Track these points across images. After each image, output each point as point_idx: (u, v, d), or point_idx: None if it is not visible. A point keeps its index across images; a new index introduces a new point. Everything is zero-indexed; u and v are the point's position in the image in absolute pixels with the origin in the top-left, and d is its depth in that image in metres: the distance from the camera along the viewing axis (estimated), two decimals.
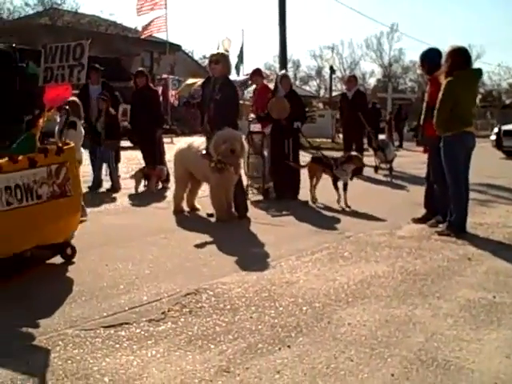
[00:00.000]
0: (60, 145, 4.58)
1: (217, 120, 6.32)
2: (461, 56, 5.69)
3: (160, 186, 8.97)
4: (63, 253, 4.60)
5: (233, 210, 6.60)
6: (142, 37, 23.63)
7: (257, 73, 9.25)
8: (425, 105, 6.32)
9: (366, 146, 13.16)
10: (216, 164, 6.22)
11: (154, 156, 9.00)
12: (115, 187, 8.77)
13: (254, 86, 9.31)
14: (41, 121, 4.61)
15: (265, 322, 3.42)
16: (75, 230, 4.68)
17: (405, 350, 3.05)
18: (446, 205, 5.91)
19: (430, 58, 6.34)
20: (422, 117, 6.38)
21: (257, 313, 3.57)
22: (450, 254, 5.06)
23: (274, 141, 8.19)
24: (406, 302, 3.79)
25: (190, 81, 18.78)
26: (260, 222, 6.42)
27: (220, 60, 6.45)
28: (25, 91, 4.91)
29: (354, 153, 8.02)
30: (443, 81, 5.70)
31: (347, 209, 7.26)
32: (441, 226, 5.99)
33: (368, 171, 11.66)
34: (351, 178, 7.62)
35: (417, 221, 6.41)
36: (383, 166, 11.70)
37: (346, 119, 11.89)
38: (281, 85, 8.29)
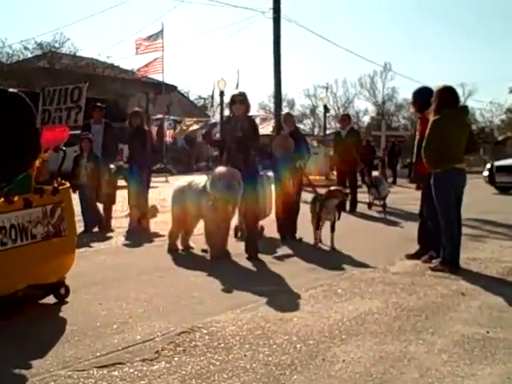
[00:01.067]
0: (56, 185, 4.63)
1: (238, 157, 6.44)
2: (448, 95, 5.85)
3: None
4: (57, 292, 4.59)
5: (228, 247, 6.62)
6: (139, 75, 24.04)
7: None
8: (416, 143, 6.42)
9: (359, 182, 13.26)
10: (213, 202, 6.25)
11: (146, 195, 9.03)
12: (101, 226, 8.69)
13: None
14: (37, 162, 4.67)
15: (259, 361, 3.40)
16: (69, 269, 4.68)
17: None
18: (440, 240, 5.95)
19: (422, 96, 6.48)
20: (414, 155, 6.49)
21: (251, 351, 3.55)
22: (444, 290, 5.07)
23: (278, 179, 8.09)
24: (400, 339, 3.79)
25: (186, 123, 18.99)
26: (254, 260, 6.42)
27: (244, 100, 6.63)
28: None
29: (333, 187, 7.83)
30: (431, 118, 5.84)
31: (333, 248, 7.17)
32: (434, 261, 6.01)
33: (361, 207, 11.74)
34: (338, 218, 7.45)
35: (410, 257, 6.44)
36: (377, 202, 11.77)
37: (340, 157, 12.03)
38: (285, 123, 8.37)
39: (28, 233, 4.24)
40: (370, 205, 11.92)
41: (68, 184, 4.84)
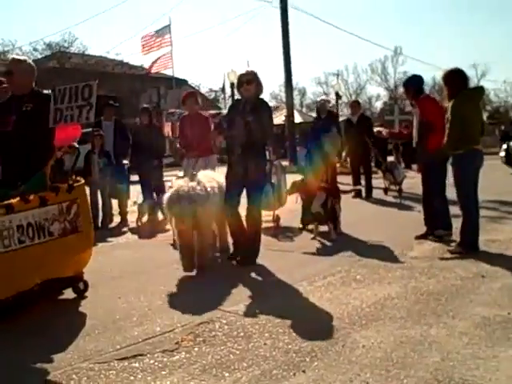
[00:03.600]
0: (71, 182, 4.66)
1: (249, 144, 5.64)
2: (460, 77, 5.86)
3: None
4: (76, 288, 4.63)
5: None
6: (150, 74, 24.00)
7: (192, 97, 7.87)
8: (417, 125, 6.49)
9: (374, 168, 13.16)
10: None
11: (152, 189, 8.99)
12: (105, 222, 8.68)
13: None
14: (50, 160, 4.70)
15: (279, 348, 3.40)
16: (86, 264, 4.71)
17: (421, 371, 3.02)
18: (447, 216, 6.21)
19: (414, 83, 6.66)
20: (416, 136, 6.52)
21: (270, 339, 3.56)
22: (463, 273, 5.02)
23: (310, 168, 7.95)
24: (421, 323, 3.77)
25: None
26: (271, 249, 6.41)
27: (253, 80, 5.75)
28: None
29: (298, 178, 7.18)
30: (446, 103, 5.89)
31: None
32: (453, 244, 6.01)
33: (378, 193, 11.66)
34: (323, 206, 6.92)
35: (419, 237, 6.51)
36: (393, 187, 11.69)
37: (352, 144, 11.95)
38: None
39: (45, 230, 4.27)
40: (386, 190, 11.84)
41: (83, 181, 4.87)
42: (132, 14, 71.20)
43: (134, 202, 8.87)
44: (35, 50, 32.23)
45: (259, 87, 5.82)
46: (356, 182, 11.66)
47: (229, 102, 26.20)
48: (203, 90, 45.60)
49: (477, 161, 5.85)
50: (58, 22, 67.15)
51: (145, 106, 10.29)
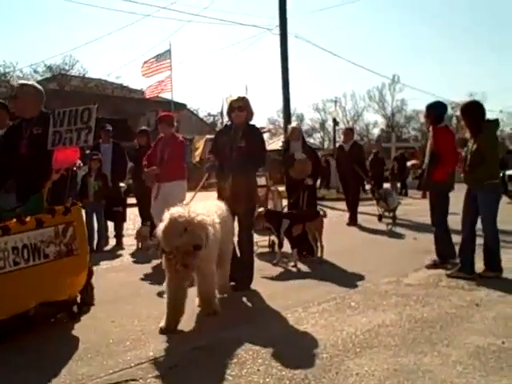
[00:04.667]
0: (68, 205, 4.67)
1: (241, 170, 5.56)
2: (481, 109, 6.00)
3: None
4: (69, 310, 4.61)
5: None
6: (147, 97, 24.16)
7: (164, 121, 7.56)
8: (429, 153, 6.59)
9: (370, 195, 13.23)
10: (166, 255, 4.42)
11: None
12: (100, 244, 8.68)
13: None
14: (48, 182, 4.72)
15: (272, 375, 3.38)
16: (81, 287, 4.70)
17: None
18: (452, 247, 6.36)
19: (436, 110, 6.68)
20: (427, 163, 6.56)
21: (264, 365, 3.54)
22: (458, 301, 5.03)
23: (290, 196, 8.11)
24: (415, 351, 3.76)
25: (196, 144, 18.61)
26: (265, 274, 6.41)
27: (245, 107, 5.75)
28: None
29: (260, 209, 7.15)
30: (467, 134, 6.03)
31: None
32: (449, 267, 6.22)
33: (372, 220, 11.69)
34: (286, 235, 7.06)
35: (431, 267, 6.54)
36: (387, 214, 11.72)
37: (343, 171, 12.04)
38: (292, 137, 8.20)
39: (40, 252, 4.27)
40: (380, 217, 11.86)
41: (79, 203, 4.89)
42: (132, 38, 72.25)
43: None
44: (36, 71, 32.34)
45: (250, 114, 5.83)
46: (350, 207, 11.73)
47: None
48: (202, 114, 46.08)
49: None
50: (60, 45, 67.87)
51: (143, 128, 10.30)
